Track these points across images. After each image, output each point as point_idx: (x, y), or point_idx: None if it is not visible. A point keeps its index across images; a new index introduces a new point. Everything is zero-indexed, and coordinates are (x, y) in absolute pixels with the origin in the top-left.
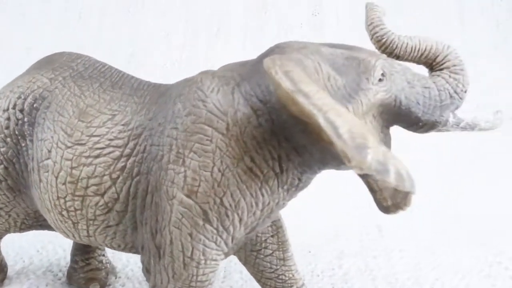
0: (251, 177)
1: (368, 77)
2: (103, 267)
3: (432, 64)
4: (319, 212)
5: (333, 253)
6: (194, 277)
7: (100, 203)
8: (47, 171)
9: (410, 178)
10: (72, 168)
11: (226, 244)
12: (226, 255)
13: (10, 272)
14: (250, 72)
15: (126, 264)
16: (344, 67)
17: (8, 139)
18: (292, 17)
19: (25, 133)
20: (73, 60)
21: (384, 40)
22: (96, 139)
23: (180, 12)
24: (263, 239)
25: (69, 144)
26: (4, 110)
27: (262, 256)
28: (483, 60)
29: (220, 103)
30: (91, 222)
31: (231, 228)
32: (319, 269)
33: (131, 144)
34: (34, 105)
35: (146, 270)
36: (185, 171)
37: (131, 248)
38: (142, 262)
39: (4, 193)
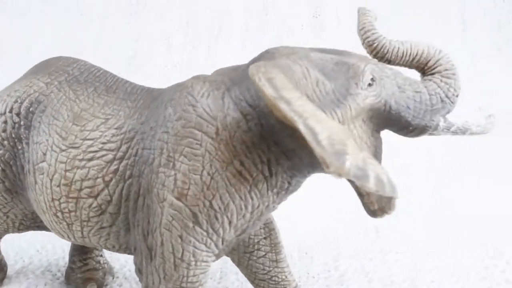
0: (240, 181)
1: (357, 82)
2: (101, 268)
3: (424, 68)
4: (315, 214)
5: (330, 255)
6: (185, 278)
7: (94, 205)
8: (42, 174)
9: (391, 183)
10: (66, 170)
11: (216, 246)
12: (217, 256)
13: (9, 271)
14: (241, 77)
15: (124, 265)
16: (333, 72)
17: (5, 142)
18: (292, 19)
19: (22, 136)
20: (69, 64)
21: (375, 44)
22: (89, 142)
23: (181, 14)
24: (256, 241)
25: (63, 147)
26: (1, 114)
27: (255, 257)
28: (485, 62)
29: (210, 108)
30: (85, 223)
31: (220, 231)
32: (315, 271)
33: (123, 148)
34: (30, 109)
35: (139, 271)
36: (175, 174)
37: (125, 249)
38: (135, 263)
39: (1, 195)
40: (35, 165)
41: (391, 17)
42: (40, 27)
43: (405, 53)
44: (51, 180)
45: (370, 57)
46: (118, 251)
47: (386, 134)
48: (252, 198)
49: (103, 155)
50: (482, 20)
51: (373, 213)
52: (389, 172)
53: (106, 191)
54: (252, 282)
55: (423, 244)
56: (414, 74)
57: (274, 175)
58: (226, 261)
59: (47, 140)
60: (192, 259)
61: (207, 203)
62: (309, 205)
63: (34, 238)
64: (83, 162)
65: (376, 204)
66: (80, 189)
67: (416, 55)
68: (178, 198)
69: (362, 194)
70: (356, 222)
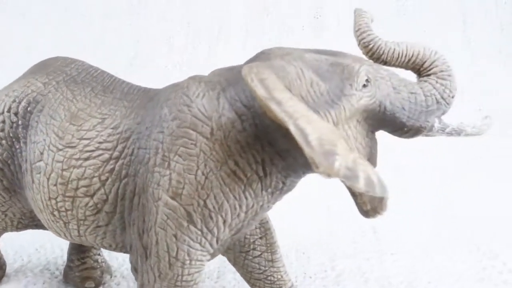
0: (234, 180)
1: (352, 83)
2: (98, 266)
3: (420, 69)
4: (313, 214)
5: (327, 255)
6: (180, 277)
7: (90, 204)
8: (39, 173)
9: (382, 184)
10: (63, 170)
11: (211, 245)
12: (212, 256)
13: (9, 270)
14: (236, 78)
15: (121, 263)
16: (328, 73)
17: (3, 141)
18: (293, 20)
19: (19, 136)
20: (67, 65)
21: (371, 46)
22: (86, 142)
23: (182, 14)
24: (251, 240)
25: (60, 147)
26: None
27: (250, 257)
28: (485, 62)
29: (205, 108)
30: (81, 222)
31: (215, 230)
32: (311, 270)
33: (119, 147)
34: (28, 109)
35: (134, 270)
36: (170, 173)
37: (121, 248)
38: (131, 261)
39: (0, 194)
40: (32, 164)
41: (391, 17)
42: (40, 27)
43: (400, 54)
44: (48, 179)
45: (366, 58)
46: (114, 250)
47: (385, 135)
48: (246, 198)
49: (99, 155)
50: (483, 21)
51: (366, 213)
52: (379, 172)
53: (102, 190)
54: (248, 282)
55: (420, 245)
56: (410, 76)
57: (268, 175)
58: (223, 260)
59: (44, 139)
60: (186, 258)
61: (202, 203)
62: (307, 205)
63: (33, 237)
64: (80, 162)
65: (369, 205)
66: (77, 188)
67: (412, 56)
68: (172, 198)
69: (355, 194)
70: (353, 222)
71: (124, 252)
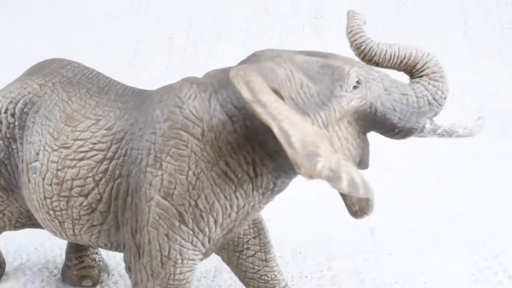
0: (225, 181)
1: (342, 85)
2: (96, 265)
3: (412, 71)
4: (309, 214)
5: (323, 255)
6: (172, 276)
7: (84, 204)
8: (35, 173)
9: (366, 185)
10: (57, 170)
11: (202, 244)
12: (205, 255)
13: (8, 268)
14: (228, 79)
15: (119, 262)
16: (318, 75)
17: (0, 142)
18: (293, 20)
19: (16, 136)
20: (63, 66)
21: (363, 47)
22: (80, 142)
23: (182, 14)
24: (245, 240)
25: (55, 147)
26: None
27: (244, 257)
28: (486, 62)
29: (196, 110)
30: (76, 221)
31: (206, 230)
32: (307, 270)
33: (113, 148)
34: (24, 110)
35: (128, 268)
36: (162, 174)
37: (116, 247)
38: (125, 260)
39: None
40: (28, 164)
41: (391, 17)
42: (40, 27)
43: (393, 56)
44: (43, 179)
45: (357, 59)
46: (110, 249)
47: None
48: (237, 198)
49: (93, 155)
50: (484, 21)
51: (354, 214)
52: (362, 173)
53: (96, 190)
54: (242, 281)
55: (416, 245)
56: (403, 77)
57: (259, 176)
58: (220, 259)
59: (40, 140)
60: (178, 257)
61: (193, 203)
62: (303, 205)
63: (32, 236)
64: (74, 162)
65: (357, 205)
66: (71, 188)
67: (404, 57)
68: (164, 198)
69: (344, 196)
70: (350, 222)
71: (119, 251)
